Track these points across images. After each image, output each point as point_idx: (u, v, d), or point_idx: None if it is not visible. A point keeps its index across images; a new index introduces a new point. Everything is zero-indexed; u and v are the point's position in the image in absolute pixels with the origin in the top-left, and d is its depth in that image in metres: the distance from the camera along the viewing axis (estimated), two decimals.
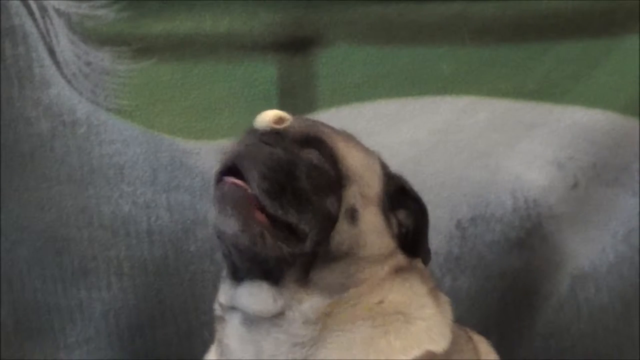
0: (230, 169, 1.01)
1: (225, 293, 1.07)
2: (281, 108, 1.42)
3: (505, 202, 1.42)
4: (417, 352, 1.05)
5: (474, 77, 1.43)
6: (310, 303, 1.03)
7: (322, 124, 1.08)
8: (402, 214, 1.07)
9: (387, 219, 1.06)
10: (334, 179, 1.03)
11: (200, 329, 1.43)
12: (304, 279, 1.03)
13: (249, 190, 0.99)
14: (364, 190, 1.05)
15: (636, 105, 1.41)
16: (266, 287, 1.02)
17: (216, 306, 1.10)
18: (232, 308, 1.06)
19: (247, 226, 1.00)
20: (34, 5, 1.42)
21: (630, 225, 1.41)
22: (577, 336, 1.44)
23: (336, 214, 1.02)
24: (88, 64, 1.43)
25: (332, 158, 1.03)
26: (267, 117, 1.05)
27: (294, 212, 1.00)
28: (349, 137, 1.08)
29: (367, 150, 1.08)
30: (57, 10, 1.42)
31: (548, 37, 1.43)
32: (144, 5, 1.42)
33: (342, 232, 1.03)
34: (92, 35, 1.43)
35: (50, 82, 1.43)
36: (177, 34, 1.43)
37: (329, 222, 1.02)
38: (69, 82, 1.43)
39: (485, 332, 1.19)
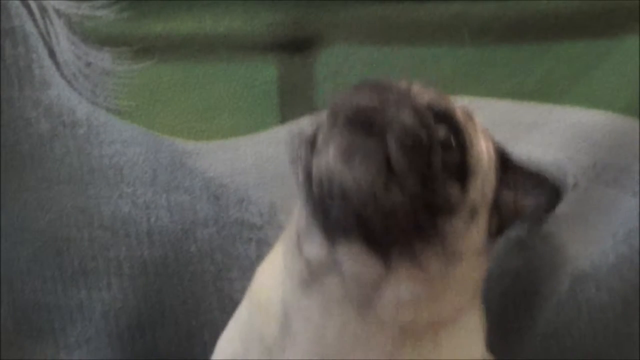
0: (355, 119, 0.94)
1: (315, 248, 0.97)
2: (281, 108, 1.44)
3: None
4: None
5: (474, 77, 1.42)
6: (411, 285, 0.95)
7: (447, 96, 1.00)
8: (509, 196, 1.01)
9: (490, 216, 1.01)
10: (459, 166, 0.96)
11: (201, 330, 1.43)
12: (412, 256, 0.94)
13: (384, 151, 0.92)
14: (485, 186, 0.99)
15: (636, 106, 1.41)
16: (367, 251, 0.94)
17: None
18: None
19: (376, 180, 0.91)
20: (34, 6, 1.42)
21: (630, 225, 1.41)
22: (577, 336, 1.44)
23: (456, 205, 0.95)
24: (88, 64, 1.43)
25: (461, 142, 0.97)
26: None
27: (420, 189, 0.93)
28: (473, 117, 1.00)
29: (486, 133, 1.01)
30: (57, 11, 1.42)
31: (548, 37, 1.42)
32: (144, 6, 1.42)
33: (458, 226, 0.96)
34: (92, 36, 1.43)
35: (50, 82, 1.43)
36: (177, 34, 1.43)
37: (446, 211, 0.95)
38: (69, 82, 1.44)
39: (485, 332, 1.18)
